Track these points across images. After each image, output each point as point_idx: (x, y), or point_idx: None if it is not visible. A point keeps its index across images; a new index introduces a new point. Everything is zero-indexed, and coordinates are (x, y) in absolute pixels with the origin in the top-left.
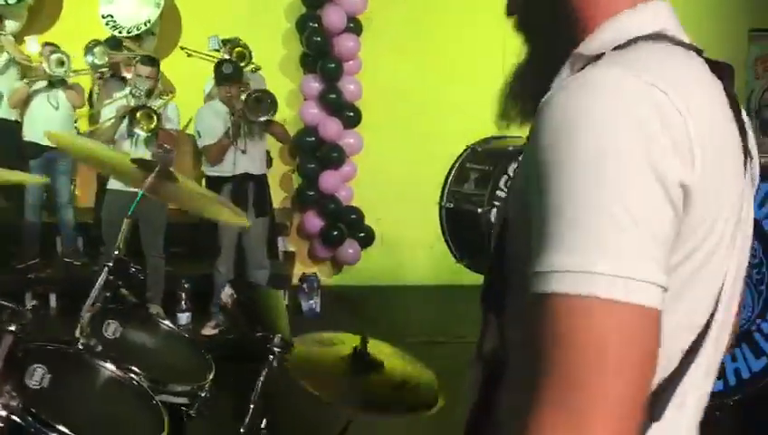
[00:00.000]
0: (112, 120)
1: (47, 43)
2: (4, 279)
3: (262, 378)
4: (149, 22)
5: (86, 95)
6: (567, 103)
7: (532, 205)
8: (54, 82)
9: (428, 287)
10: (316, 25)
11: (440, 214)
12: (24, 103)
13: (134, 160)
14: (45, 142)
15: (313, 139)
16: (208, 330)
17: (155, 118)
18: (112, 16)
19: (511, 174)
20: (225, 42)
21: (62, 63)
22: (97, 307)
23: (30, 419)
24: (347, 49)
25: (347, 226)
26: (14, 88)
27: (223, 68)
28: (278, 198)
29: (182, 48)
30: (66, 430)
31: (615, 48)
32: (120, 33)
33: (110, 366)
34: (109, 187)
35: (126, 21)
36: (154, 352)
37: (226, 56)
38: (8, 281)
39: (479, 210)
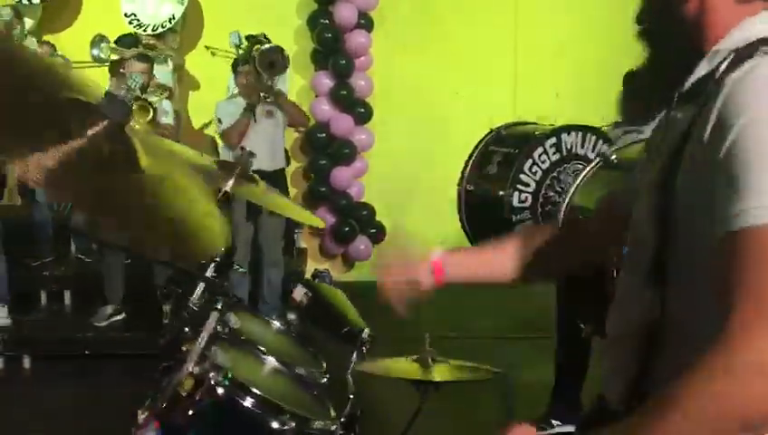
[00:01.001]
0: None
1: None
2: (20, 276)
3: (350, 370)
4: (173, 19)
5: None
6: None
7: (717, 166)
8: None
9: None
10: (327, 22)
11: (458, 197)
12: None
13: (217, 162)
14: None
15: (324, 135)
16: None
17: (150, 111)
18: (135, 15)
19: (536, 158)
20: (247, 38)
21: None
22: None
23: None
24: (358, 45)
25: (358, 222)
26: None
27: (239, 61)
28: (290, 193)
29: (207, 47)
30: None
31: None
32: (144, 31)
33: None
34: None
35: (149, 19)
36: (273, 343)
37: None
38: (23, 278)
39: (501, 193)
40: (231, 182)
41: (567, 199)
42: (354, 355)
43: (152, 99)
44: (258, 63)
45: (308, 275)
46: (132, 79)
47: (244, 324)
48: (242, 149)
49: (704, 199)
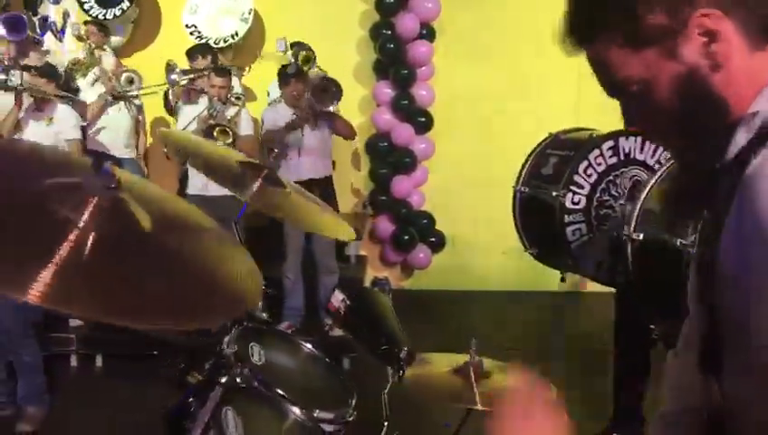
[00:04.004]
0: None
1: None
2: None
3: (386, 391)
4: (236, 35)
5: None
6: None
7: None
8: (120, 97)
9: (499, 293)
10: (390, 32)
11: (513, 198)
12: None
13: (241, 163)
14: (112, 151)
15: (386, 144)
16: None
17: (230, 133)
18: (196, 26)
19: (591, 160)
20: (292, 45)
21: (131, 81)
22: (237, 330)
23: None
24: (420, 55)
25: (418, 230)
26: (88, 104)
27: (287, 69)
28: (350, 203)
29: (258, 56)
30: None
31: None
32: (207, 43)
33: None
34: (189, 192)
35: (208, 31)
36: (300, 375)
37: (292, 59)
38: None
39: (554, 193)
40: (256, 185)
41: (639, 204)
42: (390, 375)
43: (231, 111)
44: (312, 90)
45: (367, 283)
46: (213, 107)
47: (269, 355)
48: (269, 150)
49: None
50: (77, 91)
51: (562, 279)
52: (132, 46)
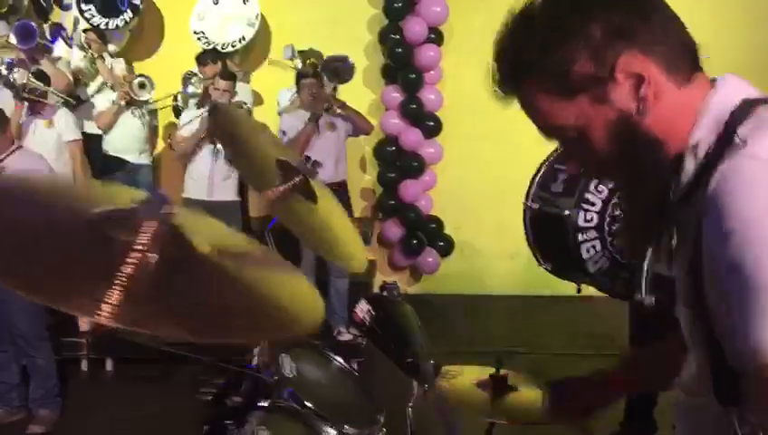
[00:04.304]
0: (194, 133)
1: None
2: None
3: (411, 404)
4: (243, 40)
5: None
6: (740, 199)
7: (726, 285)
8: (133, 102)
9: (508, 297)
10: (398, 37)
11: (524, 213)
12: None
13: (279, 161)
14: (127, 157)
15: (394, 148)
16: None
17: None
18: (204, 32)
19: None
20: (299, 52)
21: (143, 86)
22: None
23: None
24: (428, 59)
25: (426, 235)
26: (101, 111)
27: (302, 70)
28: (359, 207)
29: (267, 60)
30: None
31: (730, 123)
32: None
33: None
34: (185, 195)
35: (216, 37)
36: (329, 390)
37: (300, 65)
38: None
39: (566, 212)
40: (287, 187)
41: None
42: (416, 388)
43: None
44: (323, 69)
45: (376, 287)
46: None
47: (300, 367)
48: (307, 158)
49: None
50: (80, 99)
51: (578, 290)
52: (133, 54)
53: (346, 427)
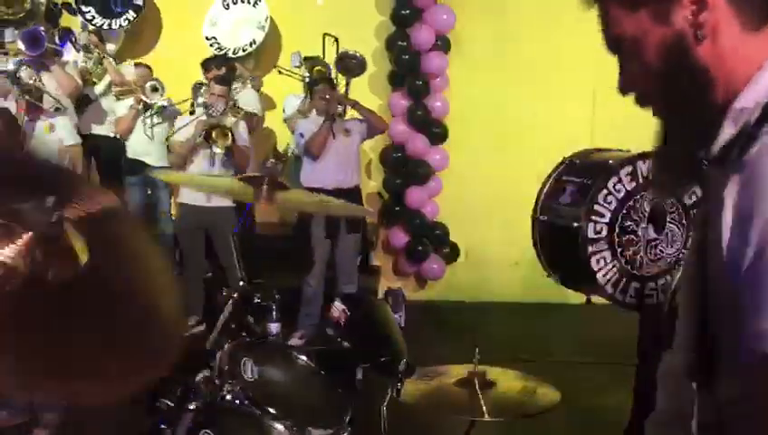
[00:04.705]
0: (189, 137)
1: (138, 64)
2: None
3: (386, 404)
4: (254, 43)
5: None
6: None
7: (748, 267)
8: (150, 105)
9: (513, 304)
10: (405, 44)
11: (533, 226)
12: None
13: (242, 179)
14: (146, 159)
15: (400, 155)
16: (295, 341)
17: (229, 136)
18: (216, 38)
19: (611, 188)
20: (306, 58)
21: (155, 90)
22: (230, 345)
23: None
24: (434, 66)
25: (432, 241)
26: (120, 117)
27: (313, 75)
28: None
29: (276, 67)
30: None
31: None
32: (225, 54)
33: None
34: (180, 200)
35: (228, 42)
36: (294, 390)
37: (306, 73)
38: None
39: (575, 224)
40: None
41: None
42: (389, 387)
43: (229, 121)
44: (335, 64)
45: (381, 294)
46: (213, 107)
47: (262, 369)
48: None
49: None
50: (89, 99)
51: (588, 301)
52: (130, 52)
53: (310, 429)
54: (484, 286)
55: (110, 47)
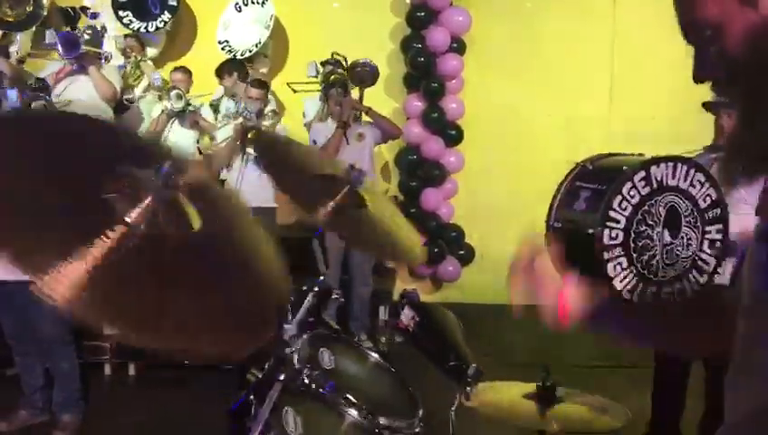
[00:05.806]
0: (228, 141)
1: (177, 68)
2: None
3: (454, 408)
4: (260, 43)
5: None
6: None
7: None
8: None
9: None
10: (420, 46)
11: (547, 233)
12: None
13: (323, 176)
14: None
15: (415, 157)
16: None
17: None
18: (228, 42)
19: (625, 194)
20: (323, 63)
21: (180, 97)
22: (309, 334)
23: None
24: (450, 68)
25: (447, 243)
26: (154, 118)
27: (329, 81)
28: None
29: (288, 84)
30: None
31: None
32: (234, 56)
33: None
34: None
35: (239, 45)
36: (367, 384)
37: (322, 84)
38: None
39: (590, 231)
40: (338, 199)
41: None
42: (458, 392)
43: (268, 123)
44: (350, 77)
45: (396, 296)
46: (246, 109)
47: (338, 361)
48: (351, 166)
49: None
50: (130, 102)
51: None
52: (167, 57)
53: (382, 419)
54: (500, 288)
55: (152, 51)
